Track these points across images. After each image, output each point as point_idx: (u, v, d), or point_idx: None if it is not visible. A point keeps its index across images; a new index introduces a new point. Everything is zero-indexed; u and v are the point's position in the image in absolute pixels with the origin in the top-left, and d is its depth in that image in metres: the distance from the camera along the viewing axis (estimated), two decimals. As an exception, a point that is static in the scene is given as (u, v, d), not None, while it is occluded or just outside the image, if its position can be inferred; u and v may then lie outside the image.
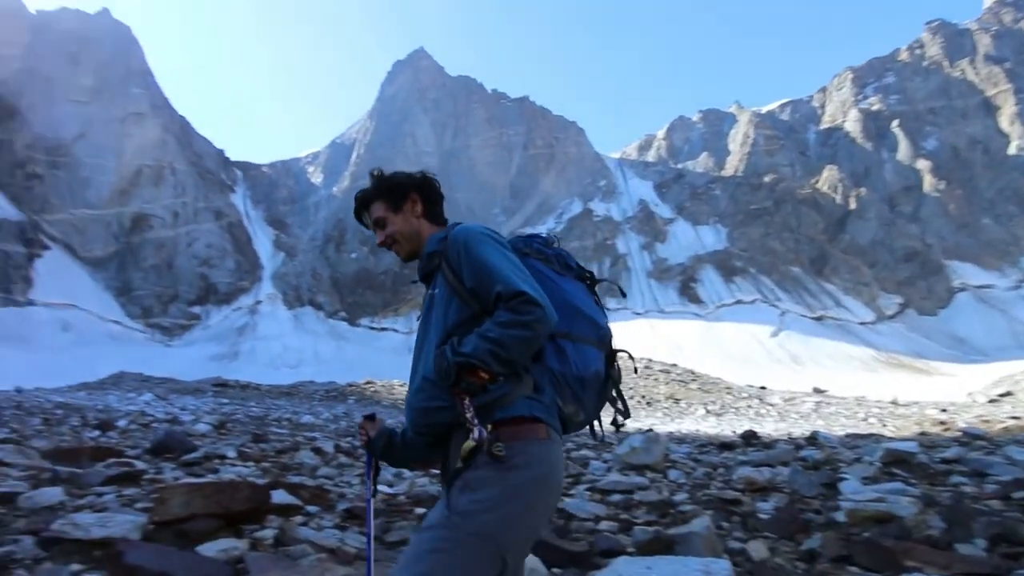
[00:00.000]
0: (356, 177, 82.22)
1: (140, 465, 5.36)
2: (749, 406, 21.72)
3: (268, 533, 2.84)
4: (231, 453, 7.00)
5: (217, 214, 68.43)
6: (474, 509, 1.12)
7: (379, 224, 1.52)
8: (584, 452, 8.08)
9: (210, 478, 4.76)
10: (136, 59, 74.24)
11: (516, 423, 1.19)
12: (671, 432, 13.98)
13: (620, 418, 1.42)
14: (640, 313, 65.88)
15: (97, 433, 10.35)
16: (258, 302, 63.25)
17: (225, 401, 22.13)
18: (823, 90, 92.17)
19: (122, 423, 12.05)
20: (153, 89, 72.91)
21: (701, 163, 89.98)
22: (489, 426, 1.16)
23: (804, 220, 72.74)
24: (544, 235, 1.49)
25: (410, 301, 70.51)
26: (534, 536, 1.21)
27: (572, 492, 4.78)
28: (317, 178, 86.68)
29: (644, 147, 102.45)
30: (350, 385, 28.90)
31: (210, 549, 2.45)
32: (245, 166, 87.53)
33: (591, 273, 1.47)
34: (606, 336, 1.38)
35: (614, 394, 1.39)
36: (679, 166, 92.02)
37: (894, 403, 20.03)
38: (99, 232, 60.05)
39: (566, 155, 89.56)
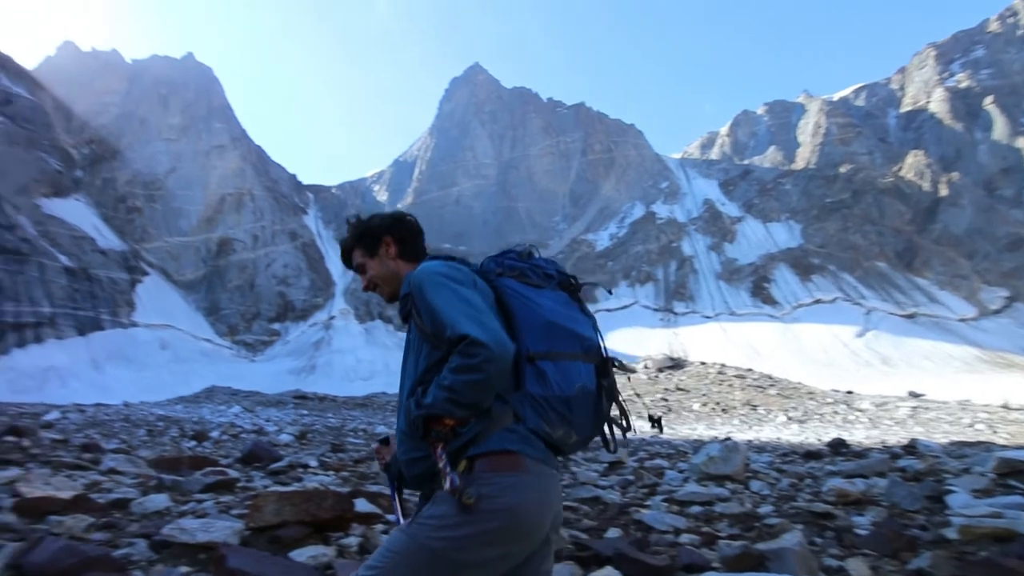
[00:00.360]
0: (419, 193, 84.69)
1: (233, 473, 5.71)
2: (835, 412, 20.39)
3: (353, 541, 2.94)
4: (313, 462, 7.33)
5: (292, 235, 72.44)
6: (428, 522, 1.15)
7: (360, 270, 1.56)
8: (658, 461, 7.84)
9: (295, 487, 5.00)
10: (217, 97, 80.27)
11: (490, 457, 1.18)
12: (750, 440, 13.34)
13: (620, 433, 1.37)
14: (710, 316, 63.56)
15: (194, 443, 11.15)
16: (332, 317, 66.18)
17: (305, 412, 23.28)
18: (902, 71, 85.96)
19: (215, 434, 12.93)
20: (232, 123, 78.52)
21: (769, 158, 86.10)
22: (461, 466, 1.17)
23: (888, 211, 67.82)
24: (519, 248, 1.48)
25: (475, 312, 71.57)
26: (497, 565, 1.15)
27: (648, 503, 4.65)
28: (382, 196, 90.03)
29: (706, 145, 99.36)
30: (420, 396, 29.58)
31: (301, 555, 2.56)
32: (316, 189, 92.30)
33: (574, 278, 1.44)
34: (592, 347, 1.32)
35: (612, 407, 1.34)
36: (745, 162, 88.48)
37: (1005, 407, 18.18)
38: (190, 257, 65.07)
39: (625, 159, 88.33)
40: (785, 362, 46.16)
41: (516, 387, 1.23)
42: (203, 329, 59.19)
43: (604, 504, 4.66)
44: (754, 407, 21.64)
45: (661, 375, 28.40)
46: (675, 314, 65.62)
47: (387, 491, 4.66)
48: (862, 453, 8.02)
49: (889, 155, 74.74)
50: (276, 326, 63.75)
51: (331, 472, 6.60)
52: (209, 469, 6.01)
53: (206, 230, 67.33)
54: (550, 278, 1.40)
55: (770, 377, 27.73)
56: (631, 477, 6.19)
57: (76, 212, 57.96)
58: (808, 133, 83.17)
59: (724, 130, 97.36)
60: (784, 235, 72.55)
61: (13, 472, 4.52)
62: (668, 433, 16.35)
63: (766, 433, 16.25)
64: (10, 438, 8.33)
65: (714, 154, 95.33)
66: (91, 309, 49.42)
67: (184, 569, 2.38)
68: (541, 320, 1.27)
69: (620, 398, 1.39)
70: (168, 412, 20.31)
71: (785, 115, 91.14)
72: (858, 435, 14.67)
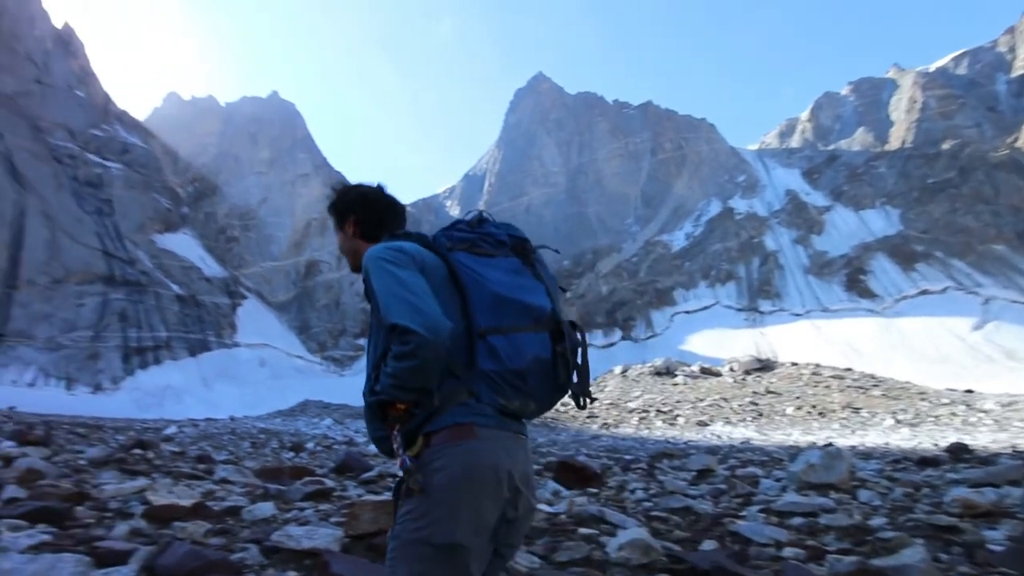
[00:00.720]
0: (489, 205, 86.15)
1: (329, 483, 6.01)
2: (953, 414, 18.47)
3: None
4: (401, 472, 7.55)
5: (372, 254, 76.08)
6: (403, 521, 1.22)
7: (341, 233, 1.59)
8: (751, 470, 7.44)
9: (388, 496, 5.19)
10: (300, 129, 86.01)
11: (443, 431, 1.22)
12: (854, 446, 12.37)
13: (582, 400, 1.36)
14: (800, 314, 59.75)
15: (292, 454, 11.88)
16: (412, 331, 68.57)
17: (391, 424, 24.18)
18: (1011, 31, 77.31)
19: (310, 445, 13.71)
20: (314, 152, 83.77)
21: (858, 140, 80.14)
22: (419, 443, 1.23)
23: (1003, 188, 60.92)
24: (469, 217, 1.45)
25: (550, 319, 71.45)
26: (477, 522, 1.20)
27: (743, 514, 4.42)
28: (455, 211, 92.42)
29: (786, 133, 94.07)
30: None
31: (397, 563, 2.63)
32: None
33: (525, 241, 1.42)
34: (542, 314, 1.31)
35: (569, 373, 1.31)
36: (830, 148, 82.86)
37: None
38: (281, 280, 69.80)
39: (697, 155, 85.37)
40: (889, 360, 42.45)
41: (469, 364, 1.25)
42: (296, 347, 63.21)
43: (695, 514, 4.48)
44: (856, 410, 20.01)
45: (749, 378, 26.97)
46: (761, 313, 62.26)
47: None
48: (989, 459, 7.20)
49: (1001, 126, 67.30)
50: (361, 341, 66.90)
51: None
52: (307, 479, 6.37)
53: (295, 254, 72.08)
54: (502, 244, 1.38)
55: (873, 377, 25.58)
56: (723, 486, 5.91)
57: (184, 245, 64.03)
58: (902, 110, 76.67)
59: (804, 115, 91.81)
60: (880, 222, 67.06)
61: (142, 482, 5.01)
62: (760, 438, 15.49)
63: (871, 438, 14.98)
64: (137, 451, 9.26)
65: (794, 142, 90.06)
66: (200, 332, 54.20)
67: (292, 574, 2.54)
68: (489, 294, 1.27)
69: (578, 360, 1.35)
70: (268, 425, 21.79)
71: (874, 93, 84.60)
72: (982, 439, 13.20)
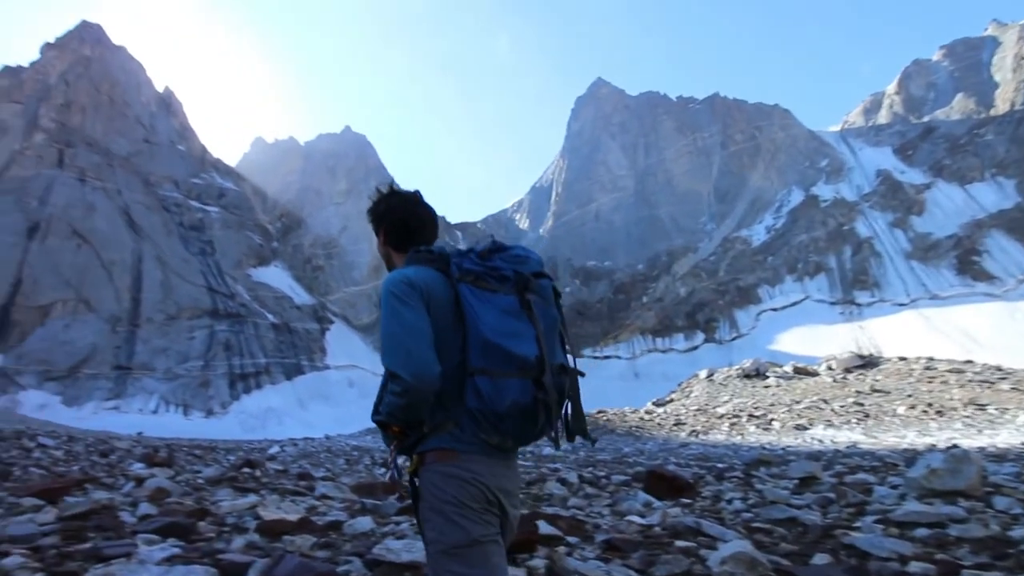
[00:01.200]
0: (558, 215, 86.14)
1: (421, 498, 6.17)
2: (1105, 406, 16.17)
3: (539, 563, 2.98)
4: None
5: (447, 272, 78.13)
6: (427, 538, 1.40)
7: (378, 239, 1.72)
8: (862, 476, 6.86)
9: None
10: (372, 159, 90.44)
11: (433, 452, 1.40)
12: (982, 448, 11.12)
13: (560, 442, 1.47)
14: (904, 304, 54.87)
15: (383, 470, 12.33)
16: (490, 345, 69.57)
17: (476, 437, 24.53)
18: None
19: (400, 461, 14.16)
20: (386, 179, 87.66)
21: (957, 108, 73.02)
22: (415, 460, 1.44)
23: None
24: (482, 246, 1.53)
25: (628, 327, 69.94)
26: (470, 516, 1.35)
27: (858, 525, 4.08)
28: (524, 224, 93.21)
29: (870, 110, 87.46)
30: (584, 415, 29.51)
31: None
32: (463, 226, 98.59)
33: (528, 278, 1.45)
34: (526, 363, 1.37)
35: (549, 418, 1.40)
36: (924, 119, 76.04)
37: None
38: (364, 304, 73.18)
39: (773, 143, 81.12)
40: (1015, 349, 37.99)
41: (459, 398, 1.39)
42: (381, 367, 65.88)
43: (803, 526, 4.19)
44: (981, 407, 17.98)
45: (850, 376, 25.00)
46: (858, 305, 57.78)
47: (563, 513, 4.70)
48: None
49: None
50: (441, 358, 68.76)
51: (507, 494, 6.81)
52: (399, 494, 6.58)
53: (375, 278, 75.43)
54: (505, 280, 1.44)
55: (999, 368, 22.91)
56: (831, 495, 5.49)
57: (276, 276, 68.84)
58: (1007, 69, 69.16)
59: (891, 88, 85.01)
60: (992, 196, 60.53)
61: (252, 499, 5.38)
62: (869, 442, 14.28)
63: (1004, 438, 13.37)
64: (246, 470, 9.97)
65: (882, 118, 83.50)
66: (293, 357, 57.83)
67: (394, 587, 2.63)
68: (480, 338, 1.37)
69: (559, 409, 1.45)
70: (360, 443, 22.77)
71: (972, 55, 77.00)
72: None
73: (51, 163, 55.45)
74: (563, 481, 8.10)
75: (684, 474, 6.92)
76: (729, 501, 5.55)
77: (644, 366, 65.30)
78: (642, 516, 4.69)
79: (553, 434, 1.45)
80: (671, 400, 27.98)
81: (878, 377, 24.16)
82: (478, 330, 1.38)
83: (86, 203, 54.09)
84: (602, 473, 9.90)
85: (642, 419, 23.93)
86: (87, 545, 3.46)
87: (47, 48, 69.78)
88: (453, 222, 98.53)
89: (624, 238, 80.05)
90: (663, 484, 5.92)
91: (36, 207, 51.46)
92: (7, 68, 73.26)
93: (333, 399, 54.69)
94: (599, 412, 29.23)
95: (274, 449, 17.96)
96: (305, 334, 62.04)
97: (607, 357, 68.53)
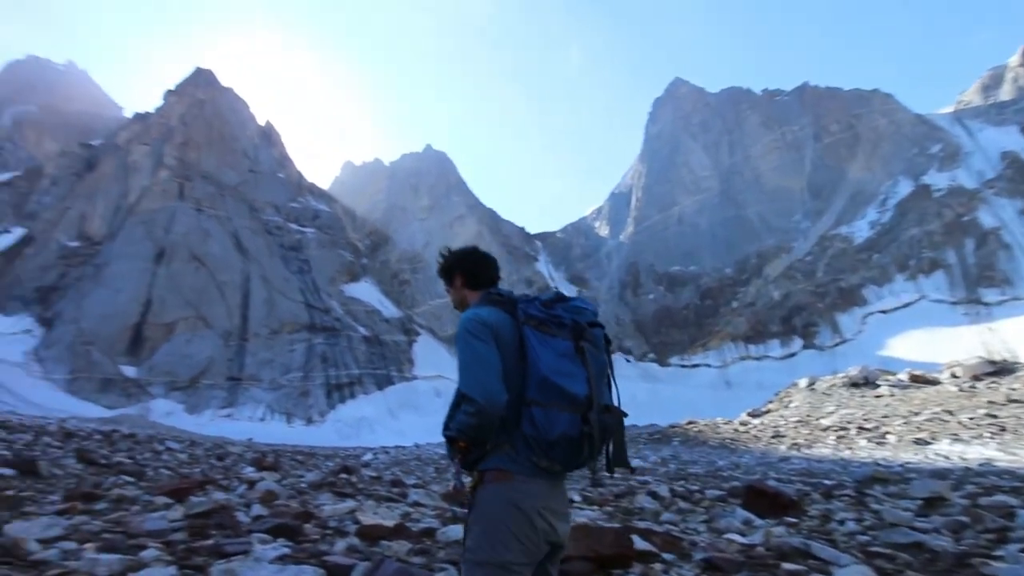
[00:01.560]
0: (639, 221, 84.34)
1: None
2: None
3: (635, 579, 2.90)
4: (576, 497, 7.54)
5: (528, 282, 78.60)
6: (469, 543, 1.61)
7: (451, 283, 1.95)
8: (1001, 498, 6.07)
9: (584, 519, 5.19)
10: (452, 175, 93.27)
11: (492, 471, 1.61)
12: None
13: (603, 473, 1.67)
14: (1043, 302, 48.40)
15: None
16: (572, 354, 69.03)
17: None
18: None
19: (488, 470, 14.34)
20: (466, 194, 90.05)
21: (1102, 78, 63.82)
22: (476, 476, 1.65)
23: None
24: (546, 296, 1.75)
25: (718, 333, 66.89)
26: (523, 544, 1.56)
27: (999, 553, 3.61)
28: (604, 231, 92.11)
29: (990, 86, 78.39)
30: (672, 427, 28.48)
31: (589, 591, 2.60)
32: (543, 236, 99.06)
33: (583, 327, 1.67)
34: (576, 400, 1.58)
35: (593, 450, 1.60)
36: (1061, 93, 67.08)
37: None
38: (449, 315, 75.26)
39: (874, 131, 74.80)
40: None
41: (516, 424, 1.60)
42: (466, 376, 67.35)
43: (930, 552, 3.77)
44: None
45: (979, 384, 22.26)
46: (985, 304, 51.68)
47: (656, 528, 4.53)
48: None
49: None
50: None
51: (595, 507, 6.69)
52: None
53: (457, 289, 77.59)
54: (564, 327, 1.66)
55: None
56: (963, 518, 4.90)
57: (366, 291, 72.61)
58: None
59: (1015, 60, 75.84)
60: None
61: (351, 504, 5.65)
62: (1007, 459, 12.63)
63: None
64: (343, 475, 10.50)
65: (1004, 94, 74.61)
66: (384, 368, 60.50)
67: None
68: (539, 375, 1.59)
69: (602, 444, 1.63)
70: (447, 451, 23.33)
71: (1118, 16, 67.02)
72: None
73: (173, 196, 62.17)
74: (654, 494, 7.83)
75: (787, 490, 6.46)
76: (841, 522, 5.11)
77: (736, 374, 62.07)
78: (742, 535, 4.43)
79: (595, 465, 1.66)
80: (768, 410, 26.34)
81: (1015, 385, 21.38)
82: (537, 368, 1.60)
83: (202, 230, 60.01)
84: (695, 487, 9.47)
85: (736, 431, 22.74)
86: (210, 542, 3.79)
87: (169, 94, 78.63)
88: (532, 232, 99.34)
89: (710, 241, 76.85)
90: (764, 501, 5.55)
91: (162, 235, 57.85)
92: (137, 115, 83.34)
93: (421, 408, 56.53)
94: (689, 423, 28.08)
95: (368, 456, 18.82)
96: (394, 346, 64.76)
97: (696, 365, 65.82)
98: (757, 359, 62.71)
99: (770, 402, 28.14)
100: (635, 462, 16.19)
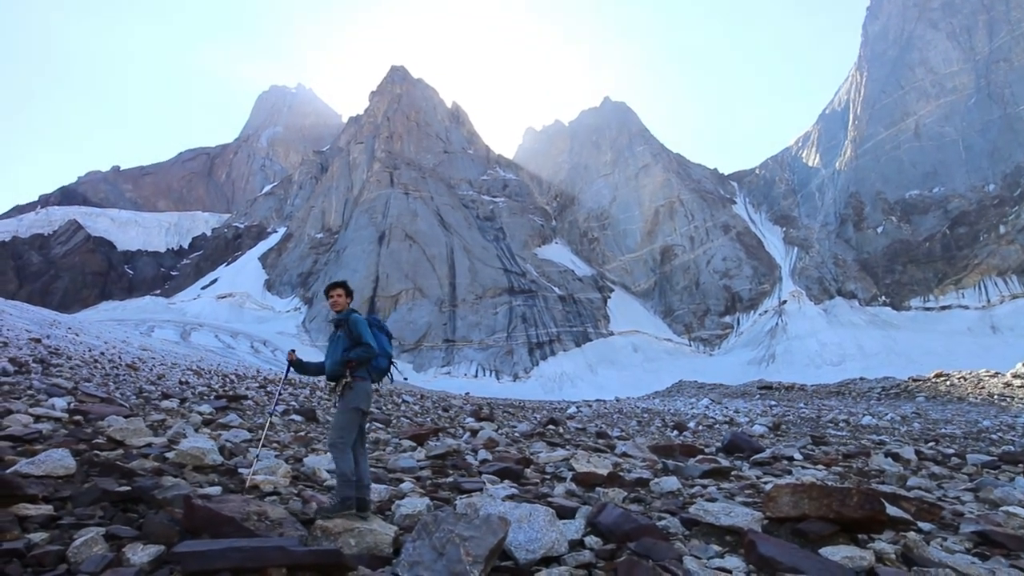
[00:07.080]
0: (860, 142, 71.40)
1: (723, 462, 5.97)
2: None
3: (888, 547, 2.56)
4: (796, 455, 6.94)
5: (725, 228, 72.75)
6: (346, 400, 3.31)
7: (335, 296, 3.60)
8: None
9: (788, 480, 4.81)
10: (634, 124, 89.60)
11: (358, 378, 3.36)
12: None
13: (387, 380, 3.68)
14: None
15: (676, 432, 12.31)
16: (783, 302, 62.49)
17: (773, 403, 22.51)
18: None
19: (691, 424, 13.95)
20: (651, 142, 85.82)
21: None
22: (351, 377, 3.36)
23: None
24: (372, 318, 3.63)
25: (978, 267, 54.43)
26: (367, 403, 3.36)
27: None
28: (813, 160, 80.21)
29: None
30: (914, 380, 24.35)
31: (833, 554, 2.41)
32: (738, 176, 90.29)
33: (386, 328, 3.68)
34: (387, 353, 3.55)
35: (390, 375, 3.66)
36: None
37: None
38: (640, 269, 73.79)
39: None
40: None
41: (368, 362, 3.43)
42: (663, 330, 65.69)
43: None
44: None
45: None
46: None
47: (904, 493, 3.94)
48: None
49: None
50: (727, 319, 64.72)
51: (820, 466, 6.09)
52: (700, 456, 6.47)
53: (648, 243, 75.23)
54: (383, 329, 3.64)
55: None
56: None
57: (557, 253, 74.76)
58: None
59: None
60: None
61: (563, 452, 6.00)
62: None
63: None
64: (551, 427, 11.17)
65: None
66: (580, 325, 62.15)
67: (716, 547, 2.59)
68: (380, 345, 3.50)
69: (393, 370, 3.67)
70: (648, 405, 23.21)
71: None
72: None
73: (386, 184, 71.01)
74: (895, 456, 6.90)
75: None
76: None
77: (1005, 317, 50.07)
78: (1030, 507, 3.64)
79: (388, 377, 3.67)
80: (1060, 360, 20.94)
81: None
82: (380, 342, 3.53)
83: (411, 211, 67.65)
84: (951, 450, 8.08)
85: (1008, 385, 18.63)
86: (449, 479, 4.38)
87: (372, 95, 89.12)
88: (727, 173, 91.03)
89: (962, 154, 61.95)
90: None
91: (381, 220, 66.78)
92: (351, 119, 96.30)
93: (619, 363, 56.99)
94: (937, 375, 23.72)
95: (571, 409, 19.71)
96: (588, 303, 65.94)
97: (945, 308, 54.67)
98: (1040, 296, 49.62)
99: (1064, 349, 22.28)
100: (866, 419, 14.28)
